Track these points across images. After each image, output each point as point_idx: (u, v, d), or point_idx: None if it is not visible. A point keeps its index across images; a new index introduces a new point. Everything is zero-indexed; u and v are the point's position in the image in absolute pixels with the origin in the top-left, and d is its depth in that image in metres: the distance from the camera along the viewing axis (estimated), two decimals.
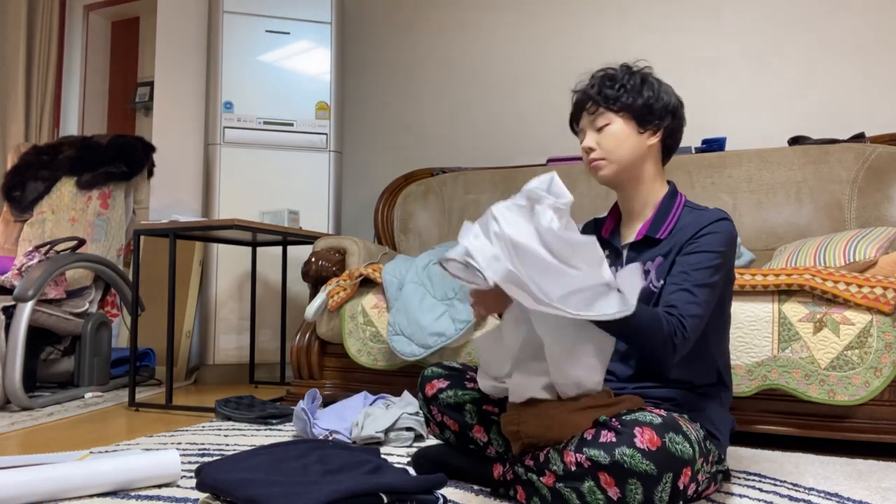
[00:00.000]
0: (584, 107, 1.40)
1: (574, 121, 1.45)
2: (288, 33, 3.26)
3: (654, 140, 1.38)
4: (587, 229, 1.54)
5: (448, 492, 1.34)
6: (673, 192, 1.41)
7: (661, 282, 1.33)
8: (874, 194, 2.37)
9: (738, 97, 2.88)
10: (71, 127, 4.32)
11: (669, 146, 1.42)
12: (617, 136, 1.36)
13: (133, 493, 1.36)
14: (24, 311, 2.47)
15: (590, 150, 1.38)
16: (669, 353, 1.20)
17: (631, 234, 1.42)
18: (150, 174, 3.33)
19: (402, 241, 3.11)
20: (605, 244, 1.46)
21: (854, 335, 1.67)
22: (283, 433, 1.97)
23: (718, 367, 1.37)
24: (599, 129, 1.37)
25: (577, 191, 2.83)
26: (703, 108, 2.93)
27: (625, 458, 1.07)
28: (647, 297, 1.34)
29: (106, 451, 1.73)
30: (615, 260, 1.42)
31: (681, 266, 1.29)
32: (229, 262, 3.23)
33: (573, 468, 1.12)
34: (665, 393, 1.32)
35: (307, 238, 2.85)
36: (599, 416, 1.18)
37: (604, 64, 1.45)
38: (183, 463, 1.58)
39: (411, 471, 1.48)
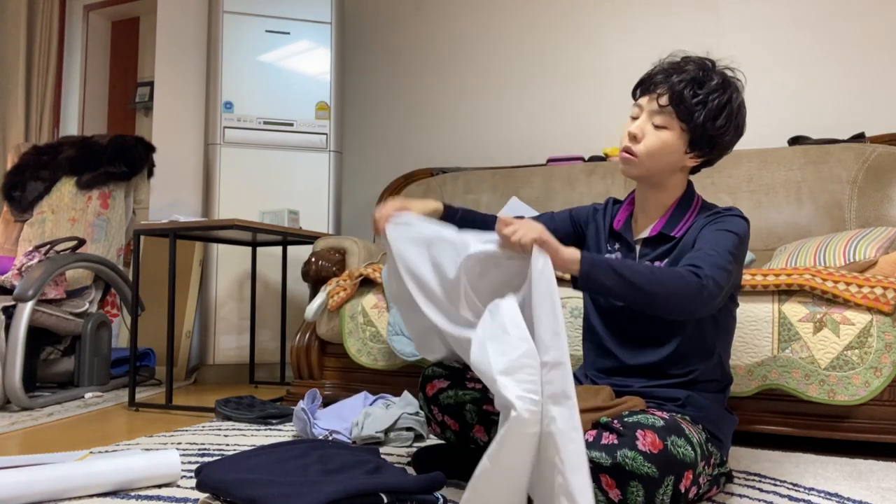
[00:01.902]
0: (655, 90, 1.30)
1: (639, 90, 1.36)
2: (288, 33, 3.26)
3: (695, 162, 1.35)
4: (605, 205, 1.51)
5: (448, 492, 1.34)
6: (691, 193, 1.39)
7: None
8: (874, 194, 2.37)
9: None
10: (71, 127, 4.32)
11: (703, 166, 1.39)
12: (664, 144, 1.30)
13: (133, 493, 1.36)
14: (24, 311, 2.47)
15: (632, 137, 1.32)
16: (702, 301, 1.13)
17: (644, 230, 1.40)
18: (150, 174, 3.33)
19: None
20: (616, 237, 1.44)
21: (854, 335, 1.67)
22: (283, 433, 1.97)
23: (723, 366, 1.37)
24: (655, 125, 1.30)
25: (578, 191, 2.83)
26: None
27: (626, 460, 1.07)
28: None
29: (106, 451, 1.73)
30: (627, 254, 1.40)
31: (699, 242, 1.26)
32: (229, 262, 3.23)
33: None
34: (669, 393, 1.31)
35: (307, 238, 2.85)
36: (600, 417, 1.18)
37: (653, 57, 1.36)
38: (183, 463, 1.58)
39: (411, 471, 1.48)
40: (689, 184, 1.41)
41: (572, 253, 1.13)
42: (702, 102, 1.27)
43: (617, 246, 1.43)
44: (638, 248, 1.40)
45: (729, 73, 1.33)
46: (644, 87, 1.34)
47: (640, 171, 1.34)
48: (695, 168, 1.39)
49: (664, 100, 1.29)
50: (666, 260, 1.34)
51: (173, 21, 3.79)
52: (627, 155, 1.33)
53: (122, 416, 2.36)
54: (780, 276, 1.76)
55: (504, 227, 1.13)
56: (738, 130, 1.33)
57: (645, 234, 1.39)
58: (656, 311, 1.17)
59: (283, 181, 3.22)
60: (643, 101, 1.33)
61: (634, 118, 1.34)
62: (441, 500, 1.23)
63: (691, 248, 1.30)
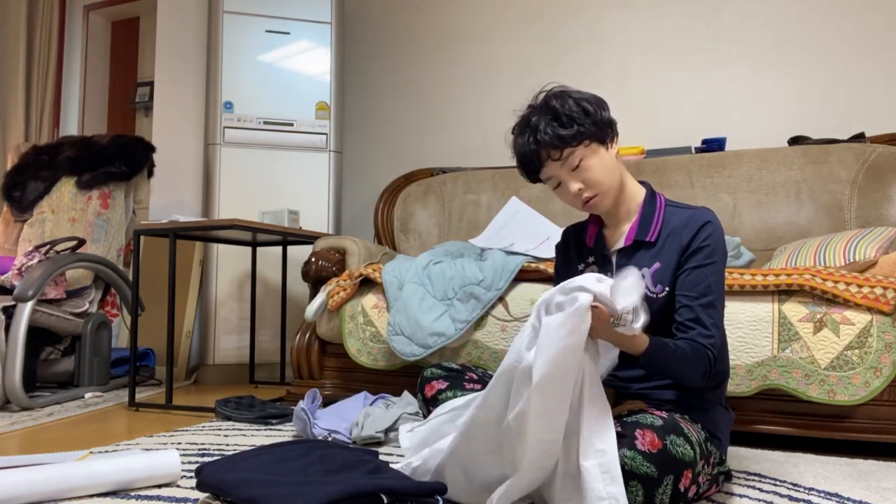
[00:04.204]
0: (545, 158, 1.33)
1: (532, 173, 1.38)
2: (288, 33, 3.26)
3: (615, 147, 1.37)
4: (566, 238, 1.53)
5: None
6: (652, 193, 1.41)
7: (660, 287, 1.32)
8: (874, 194, 2.37)
9: (738, 97, 2.88)
10: (71, 127, 4.32)
11: (617, 141, 1.40)
12: (597, 166, 1.32)
13: (133, 493, 1.36)
14: (24, 311, 2.47)
15: (580, 191, 1.33)
16: (704, 379, 1.26)
17: (618, 240, 1.41)
18: (150, 174, 3.33)
19: (402, 241, 3.11)
20: (591, 252, 1.45)
21: (854, 335, 1.67)
22: (283, 433, 1.97)
23: (721, 365, 1.38)
24: (574, 169, 1.32)
25: None
26: (703, 108, 2.94)
27: (626, 459, 1.07)
28: (647, 304, 1.33)
29: (106, 451, 1.73)
30: (603, 267, 1.42)
31: (687, 287, 1.29)
32: (229, 262, 3.23)
33: None
34: (668, 394, 1.32)
35: (307, 238, 2.85)
36: None
37: (532, 91, 1.38)
38: (183, 463, 1.58)
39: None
40: (646, 185, 1.43)
41: (638, 347, 1.22)
42: (569, 119, 1.29)
43: (591, 259, 1.44)
44: (614, 259, 1.40)
45: (542, 93, 1.37)
46: (533, 167, 1.36)
47: (609, 199, 1.36)
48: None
49: (556, 154, 1.31)
50: (644, 269, 1.34)
51: (173, 21, 3.79)
52: (591, 203, 1.35)
53: (122, 416, 2.36)
54: (780, 276, 1.76)
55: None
56: (599, 99, 1.35)
57: (619, 244, 1.40)
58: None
59: (283, 181, 3.22)
60: (546, 173, 1.35)
61: (559, 184, 1.36)
62: (440, 503, 1.23)
63: (674, 260, 1.32)
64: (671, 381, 1.30)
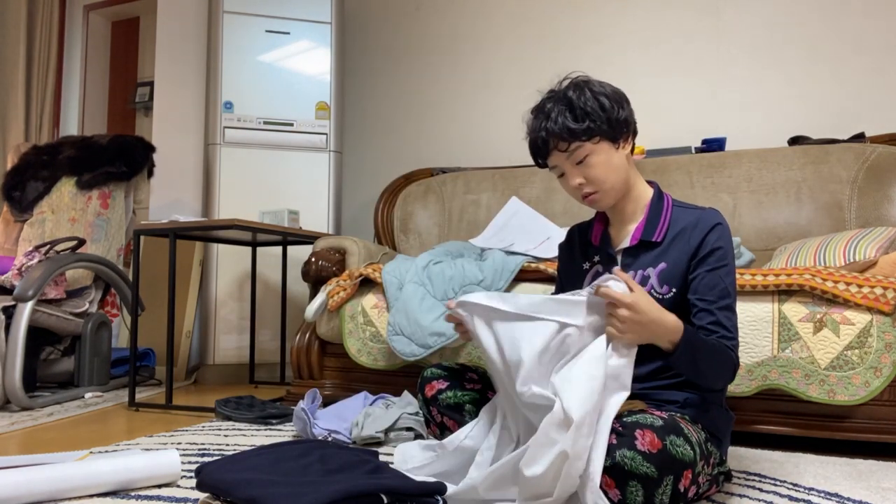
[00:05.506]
0: (552, 146, 1.32)
1: (540, 158, 1.37)
2: (288, 33, 3.26)
3: (629, 146, 1.36)
4: (571, 237, 1.53)
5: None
6: (659, 194, 1.40)
7: (666, 287, 1.32)
8: (874, 194, 2.37)
9: (738, 97, 2.88)
10: (71, 127, 4.32)
11: (634, 139, 1.39)
12: (602, 164, 1.31)
13: (133, 493, 1.36)
14: (24, 311, 2.47)
15: (580, 185, 1.33)
16: (730, 380, 1.27)
17: (623, 239, 1.40)
18: (150, 174, 3.33)
19: (402, 241, 3.11)
20: (596, 251, 1.45)
21: (854, 335, 1.67)
22: (283, 433, 1.97)
23: None
24: (579, 163, 1.31)
25: None
26: (703, 108, 2.94)
27: (625, 460, 1.07)
28: None
29: (106, 451, 1.73)
30: (608, 266, 1.41)
31: (703, 290, 1.28)
32: (229, 262, 3.23)
33: None
34: (669, 395, 1.32)
35: (307, 238, 2.85)
36: None
37: (553, 79, 1.37)
38: (183, 463, 1.58)
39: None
40: (655, 185, 1.42)
41: (671, 337, 1.20)
42: (584, 113, 1.29)
43: (596, 259, 1.44)
44: (619, 258, 1.40)
45: (566, 80, 1.36)
46: (541, 154, 1.36)
47: (610, 198, 1.35)
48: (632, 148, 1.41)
49: (563, 145, 1.31)
50: (649, 269, 1.34)
51: (173, 21, 3.79)
52: (591, 198, 1.34)
53: (122, 416, 2.36)
54: (780, 276, 1.76)
55: (621, 316, 1.17)
56: (619, 95, 1.34)
57: (625, 243, 1.39)
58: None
59: (283, 181, 3.22)
60: (553, 161, 1.35)
61: (562, 176, 1.36)
62: (441, 503, 1.23)
63: (682, 261, 1.31)
64: (697, 380, 1.26)
